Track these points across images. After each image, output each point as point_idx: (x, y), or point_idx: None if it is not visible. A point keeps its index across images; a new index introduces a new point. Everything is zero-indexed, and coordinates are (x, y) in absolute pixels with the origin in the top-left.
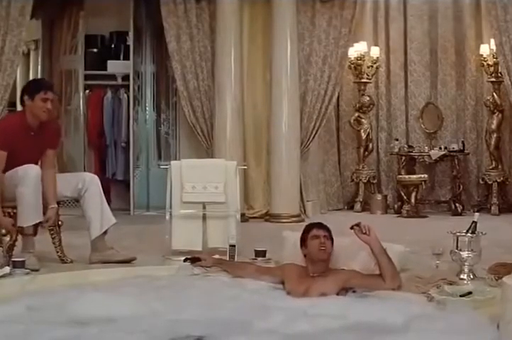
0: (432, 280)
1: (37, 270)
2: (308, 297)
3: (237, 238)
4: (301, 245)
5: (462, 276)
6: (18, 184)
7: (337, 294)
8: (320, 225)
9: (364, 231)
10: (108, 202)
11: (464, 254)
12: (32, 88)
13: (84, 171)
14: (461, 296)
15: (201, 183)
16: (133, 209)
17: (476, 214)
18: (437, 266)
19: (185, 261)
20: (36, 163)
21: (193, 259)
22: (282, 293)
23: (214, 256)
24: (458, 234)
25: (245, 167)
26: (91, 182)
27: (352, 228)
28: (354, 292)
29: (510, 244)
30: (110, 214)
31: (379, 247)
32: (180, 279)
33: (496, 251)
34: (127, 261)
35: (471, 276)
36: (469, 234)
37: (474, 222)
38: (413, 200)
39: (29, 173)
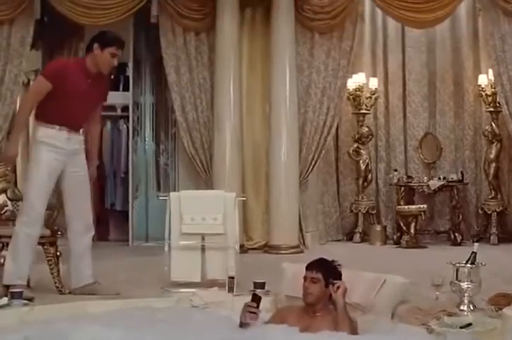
0: (432, 311)
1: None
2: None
3: (236, 269)
4: None
5: (461, 307)
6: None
7: None
8: (312, 265)
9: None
10: (107, 233)
11: (464, 285)
12: (106, 39)
13: None
14: (461, 328)
15: (199, 215)
16: (132, 240)
17: (476, 244)
18: (437, 298)
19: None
20: (85, 118)
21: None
22: (281, 328)
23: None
24: (458, 264)
25: (244, 198)
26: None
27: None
28: None
29: (509, 274)
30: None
31: (341, 306)
32: (178, 312)
33: (495, 281)
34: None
35: (471, 307)
36: (468, 265)
37: (473, 252)
38: (412, 231)
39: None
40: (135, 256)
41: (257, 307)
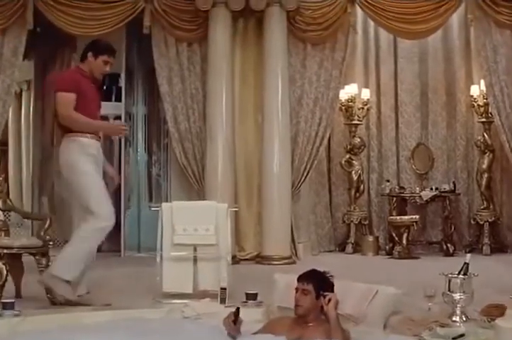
0: (425, 322)
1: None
2: None
3: (228, 280)
4: None
5: (454, 318)
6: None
7: None
8: (303, 277)
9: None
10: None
11: (457, 296)
12: (99, 47)
13: None
14: (453, 338)
15: (192, 225)
16: (124, 250)
17: (468, 255)
18: (429, 308)
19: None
20: (98, 117)
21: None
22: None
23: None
24: (450, 275)
25: (237, 209)
26: None
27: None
28: None
29: (502, 285)
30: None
31: (333, 318)
32: (170, 323)
33: (487, 292)
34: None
35: (464, 318)
36: (461, 276)
37: (465, 263)
38: (404, 242)
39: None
40: (126, 266)
41: (234, 321)
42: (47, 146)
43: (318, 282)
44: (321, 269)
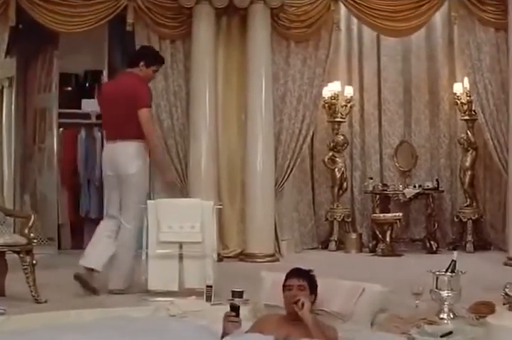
0: (412, 319)
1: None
2: None
3: (214, 278)
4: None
5: (442, 316)
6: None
7: None
8: (296, 273)
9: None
10: (82, 241)
11: (444, 293)
12: (152, 58)
13: (57, 209)
14: (441, 336)
15: (177, 223)
16: None
17: (455, 252)
18: (416, 306)
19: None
20: None
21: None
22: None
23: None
24: (438, 273)
25: (221, 207)
26: None
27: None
28: None
29: (486, 282)
30: None
31: (309, 320)
32: (156, 321)
33: (473, 289)
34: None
35: (452, 315)
36: (448, 273)
37: (453, 260)
38: (387, 239)
39: None
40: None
41: (237, 315)
42: (29, 144)
43: (310, 278)
44: (305, 267)
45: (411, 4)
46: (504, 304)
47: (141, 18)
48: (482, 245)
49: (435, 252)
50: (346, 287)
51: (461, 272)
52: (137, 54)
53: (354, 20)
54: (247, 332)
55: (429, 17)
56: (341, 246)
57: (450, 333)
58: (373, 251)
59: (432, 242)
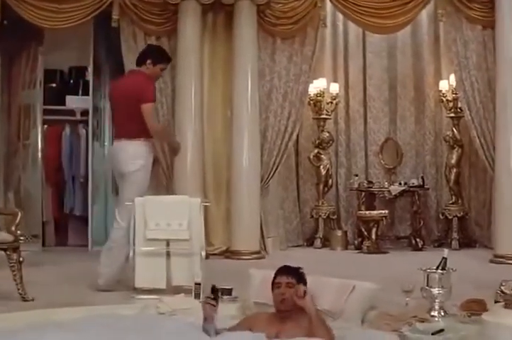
0: (403, 317)
1: None
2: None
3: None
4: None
5: (432, 313)
6: None
7: None
8: (285, 271)
9: (299, 295)
10: (66, 237)
11: (435, 291)
12: (159, 56)
13: (42, 206)
14: (433, 334)
15: (164, 220)
16: (92, 245)
17: (446, 250)
18: (407, 303)
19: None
20: None
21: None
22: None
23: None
24: (428, 270)
25: (209, 204)
26: None
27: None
28: None
29: (474, 280)
30: None
31: (312, 310)
32: (146, 319)
33: (461, 286)
34: None
35: (442, 313)
36: (439, 271)
37: (443, 258)
38: (373, 236)
39: None
40: (95, 261)
41: (216, 298)
42: (13, 141)
43: (299, 276)
44: (293, 265)
45: (398, 1)
46: (496, 301)
47: (127, 14)
48: (467, 242)
49: (420, 249)
50: (336, 284)
51: (451, 269)
52: (144, 52)
53: (340, 17)
54: (232, 329)
55: (415, 14)
56: (326, 243)
57: (442, 330)
58: (358, 248)
59: (417, 239)
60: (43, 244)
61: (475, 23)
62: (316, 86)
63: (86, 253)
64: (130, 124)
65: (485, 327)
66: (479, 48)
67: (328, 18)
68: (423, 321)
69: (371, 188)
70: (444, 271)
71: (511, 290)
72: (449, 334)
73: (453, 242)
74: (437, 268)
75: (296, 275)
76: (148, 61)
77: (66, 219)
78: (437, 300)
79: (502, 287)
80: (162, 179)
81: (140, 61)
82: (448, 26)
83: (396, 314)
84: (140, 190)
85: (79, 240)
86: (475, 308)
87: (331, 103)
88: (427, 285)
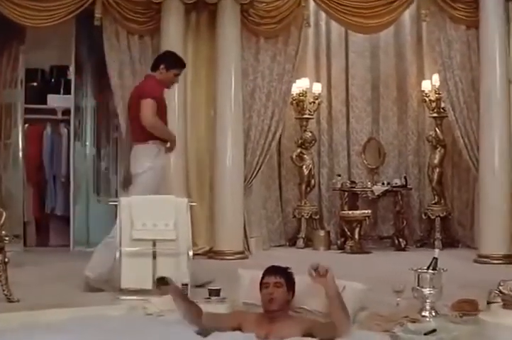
0: (394, 317)
1: None
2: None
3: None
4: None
5: (423, 313)
6: None
7: None
8: (273, 270)
9: (321, 274)
10: (47, 238)
11: (426, 291)
12: (172, 61)
13: (23, 206)
14: (425, 334)
15: (151, 220)
16: (73, 245)
17: (437, 250)
18: (397, 304)
19: (157, 280)
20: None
21: (162, 281)
22: (236, 336)
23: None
24: (420, 270)
25: (195, 204)
26: None
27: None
28: None
29: (460, 280)
30: None
31: (333, 290)
32: (134, 320)
33: (448, 287)
34: None
35: (433, 313)
36: (430, 271)
37: (434, 258)
38: (356, 236)
39: None
40: (77, 261)
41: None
42: None
43: (287, 276)
44: (280, 265)
45: (382, 0)
46: (488, 302)
47: (109, 13)
48: (450, 242)
49: (403, 249)
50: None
51: (442, 269)
52: (159, 57)
53: (323, 16)
54: (220, 322)
55: (399, 14)
56: (309, 243)
57: (434, 331)
58: (341, 248)
59: (400, 239)
60: (25, 244)
61: (459, 22)
62: (299, 85)
63: (68, 254)
64: (137, 127)
65: (484, 327)
66: (462, 48)
67: (311, 17)
68: (414, 322)
69: (354, 188)
70: (436, 271)
71: (510, 290)
72: (442, 334)
73: (436, 242)
74: (428, 268)
75: (284, 274)
76: (161, 66)
77: (47, 219)
78: (428, 300)
79: (500, 288)
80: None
81: (154, 66)
82: (432, 26)
83: (387, 314)
84: (146, 192)
85: (60, 240)
86: (467, 308)
87: (314, 102)
88: (419, 285)
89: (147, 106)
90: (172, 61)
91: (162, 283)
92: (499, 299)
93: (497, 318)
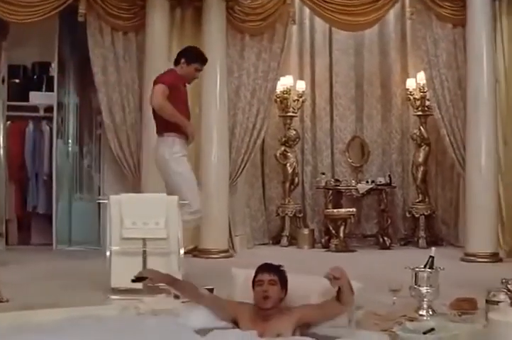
0: (391, 316)
1: None
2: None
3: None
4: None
5: (421, 312)
6: None
7: (293, 333)
8: (267, 268)
9: (336, 277)
10: (29, 236)
11: (423, 290)
12: (193, 56)
13: (5, 204)
14: (424, 333)
15: (141, 219)
16: (56, 244)
17: (433, 248)
18: (394, 303)
19: (133, 281)
20: (187, 116)
21: (140, 279)
22: (235, 334)
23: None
24: (417, 269)
25: (186, 202)
26: None
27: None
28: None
29: (451, 278)
30: None
31: (348, 287)
32: (127, 320)
33: (442, 285)
34: None
35: (431, 312)
36: (427, 270)
37: (431, 256)
38: (341, 235)
39: None
40: (61, 260)
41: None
42: None
43: (280, 273)
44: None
45: None
46: (487, 300)
47: (93, 9)
48: (434, 241)
49: (388, 248)
50: (322, 283)
51: (439, 268)
52: (180, 52)
53: (307, 14)
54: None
55: (386, 12)
56: (293, 241)
57: (432, 329)
58: (326, 246)
59: (385, 238)
60: (6, 243)
61: (445, 21)
62: (283, 83)
63: (51, 252)
64: (156, 119)
65: (493, 326)
66: (449, 46)
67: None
68: (412, 321)
69: (339, 186)
70: (433, 270)
71: None
72: (442, 333)
73: (420, 240)
74: (425, 266)
75: (278, 272)
76: (182, 60)
77: (29, 217)
78: (425, 299)
79: (509, 286)
80: (129, 176)
81: (176, 60)
82: (418, 24)
83: (384, 313)
84: (186, 181)
85: (42, 239)
86: (465, 307)
87: (297, 100)
88: (416, 284)
89: (157, 90)
90: (193, 56)
91: (139, 280)
92: (499, 298)
93: (506, 317)
